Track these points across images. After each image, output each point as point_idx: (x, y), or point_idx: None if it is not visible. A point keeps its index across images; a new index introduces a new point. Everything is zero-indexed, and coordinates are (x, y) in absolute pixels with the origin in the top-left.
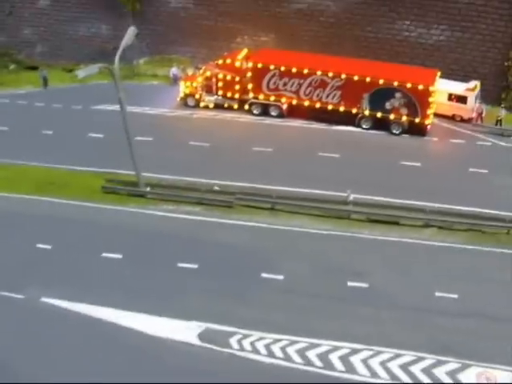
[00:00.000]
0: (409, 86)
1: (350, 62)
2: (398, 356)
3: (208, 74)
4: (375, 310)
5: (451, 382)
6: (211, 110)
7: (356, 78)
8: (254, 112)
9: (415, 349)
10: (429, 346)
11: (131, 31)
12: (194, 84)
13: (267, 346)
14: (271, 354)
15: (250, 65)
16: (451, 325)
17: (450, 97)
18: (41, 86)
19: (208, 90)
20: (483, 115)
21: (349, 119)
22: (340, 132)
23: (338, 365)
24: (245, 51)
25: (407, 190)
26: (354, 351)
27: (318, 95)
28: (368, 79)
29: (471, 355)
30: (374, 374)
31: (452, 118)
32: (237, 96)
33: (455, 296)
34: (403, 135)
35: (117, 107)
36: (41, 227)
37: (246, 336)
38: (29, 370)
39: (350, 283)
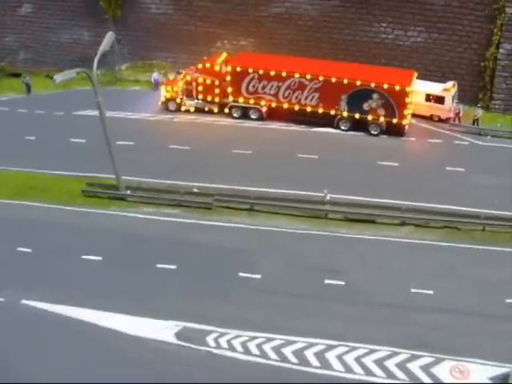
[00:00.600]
0: (386, 87)
1: (328, 64)
2: (372, 351)
3: (188, 78)
4: (352, 307)
5: (426, 376)
6: (192, 113)
7: (334, 79)
8: (234, 115)
9: (391, 344)
10: (404, 342)
11: (109, 36)
12: (175, 89)
13: (243, 344)
14: (247, 352)
15: (229, 68)
16: (427, 321)
17: (428, 97)
18: (24, 93)
19: (188, 94)
20: (460, 115)
21: (328, 121)
22: (319, 134)
23: (313, 361)
24: (224, 55)
25: (385, 189)
26: (330, 347)
27: (296, 97)
28: (345, 81)
29: (446, 350)
30: (348, 369)
31: (430, 119)
32: (217, 100)
33: (431, 292)
34: (381, 136)
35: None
36: (21, 231)
37: (222, 334)
38: (9, 372)
39: (326, 281)
